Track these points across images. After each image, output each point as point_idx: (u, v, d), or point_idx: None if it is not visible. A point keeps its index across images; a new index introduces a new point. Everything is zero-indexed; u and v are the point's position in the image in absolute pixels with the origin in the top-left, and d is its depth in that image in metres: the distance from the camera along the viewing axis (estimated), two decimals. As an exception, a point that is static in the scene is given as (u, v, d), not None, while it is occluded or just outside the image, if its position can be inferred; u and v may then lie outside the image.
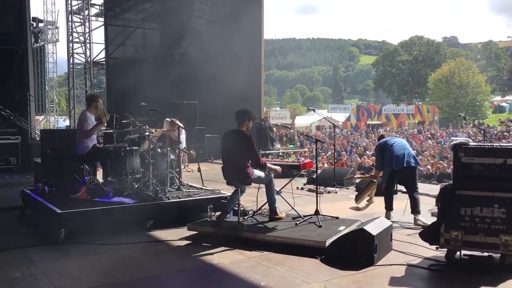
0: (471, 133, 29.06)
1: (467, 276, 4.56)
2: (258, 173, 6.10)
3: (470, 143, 5.02)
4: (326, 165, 15.65)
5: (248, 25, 17.39)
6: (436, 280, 4.57)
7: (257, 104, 18.08)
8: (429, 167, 14.89)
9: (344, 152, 20.96)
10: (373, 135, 32.75)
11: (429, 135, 31.22)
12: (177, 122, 9.60)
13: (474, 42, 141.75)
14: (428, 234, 5.07)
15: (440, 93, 55.41)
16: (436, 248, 5.04)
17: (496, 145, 4.96)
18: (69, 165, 7.53)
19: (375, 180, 8.25)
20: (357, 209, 8.00)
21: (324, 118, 18.35)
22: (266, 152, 14.10)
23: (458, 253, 4.91)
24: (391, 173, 7.13)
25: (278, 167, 6.27)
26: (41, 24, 30.21)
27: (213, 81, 16.14)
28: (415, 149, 18.60)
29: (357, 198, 8.24)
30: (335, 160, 13.18)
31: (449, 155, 17.33)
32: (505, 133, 28.04)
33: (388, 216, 6.86)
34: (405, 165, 6.85)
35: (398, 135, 27.00)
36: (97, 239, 5.80)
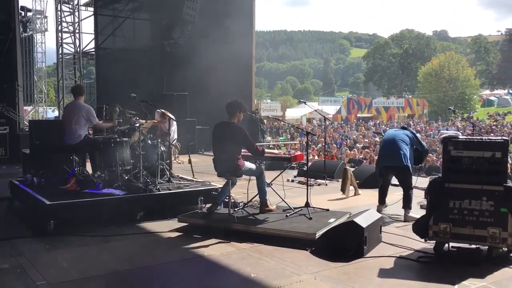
0: (460, 126, 29.35)
1: (455, 268, 4.60)
2: (249, 165, 6.11)
3: (460, 137, 5.07)
4: (316, 157, 15.69)
5: (240, 17, 17.27)
6: (425, 271, 4.62)
7: (248, 96, 18.02)
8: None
9: (334, 145, 21.03)
10: (363, 127, 32.92)
11: (418, 129, 31.42)
12: (168, 114, 9.55)
13: (464, 36, 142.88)
14: (418, 226, 5.12)
15: (429, 87, 55.76)
16: (425, 240, 5.08)
17: (485, 139, 5.00)
18: (58, 156, 7.47)
19: (348, 168, 8.67)
20: (347, 201, 8.05)
21: (315, 110, 18.31)
22: (257, 144, 14.08)
23: (446, 245, 4.97)
24: (380, 169, 7.15)
25: (275, 150, 6.28)
26: (29, 13, 29.79)
27: (204, 73, 16.05)
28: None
29: (343, 189, 8.37)
30: (326, 153, 13.22)
31: (438, 148, 17.46)
32: (493, 127, 28.36)
33: (379, 209, 6.89)
34: (386, 164, 6.85)
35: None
36: (87, 231, 5.77)
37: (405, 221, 6.55)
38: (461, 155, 4.86)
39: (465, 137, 5.28)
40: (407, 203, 6.70)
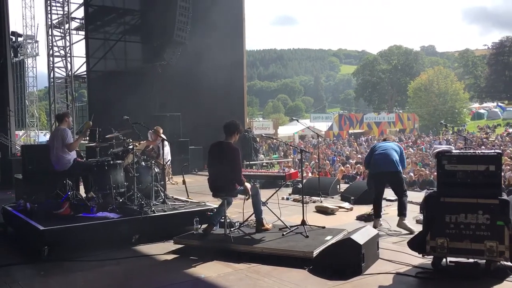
0: (451, 140, 29.53)
1: (453, 283, 4.60)
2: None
3: (453, 151, 5.10)
4: (310, 174, 15.68)
5: (230, 36, 17.44)
6: (423, 287, 4.60)
7: (240, 115, 18.06)
8: (411, 174, 15.03)
9: (327, 162, 21.05)
10: (355, 143, 33.04)
11: (411, 143, 31.59)
12: (161, 134, 9.51)
13: (451, 50, 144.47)
14: (415, 243, 5.10)
15: (419, 101, 56.24)
16: (423, 255, 5.07)
17: (478, 152, 5.04)
18: (51, 181, 7.41)
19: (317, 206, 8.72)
20: (343, 218, 8.03)
21: (307, 127, 18.41)
22: (251, 162, 14.09)
23: (444, 260, 4.96)
24: (370, 176, 7.25)
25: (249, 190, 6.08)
26: (20, 38, 29.84)
27: (196, 93, 16.14)
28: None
29: (326, 213, 8.39)
30: (319, 169, 13.23)
31: (431, 162, 17.54)
32: (484, 140, 28.59)
33: (376, 224, 6.90)
34: (381, 170, 6.96)
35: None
36: (81, 256, 5.70)
37: (398, 226, 6.71)
38: (455, 169, 4.89)
39: (458, 151, 5.32)
40: (401, 211, 6.81)
